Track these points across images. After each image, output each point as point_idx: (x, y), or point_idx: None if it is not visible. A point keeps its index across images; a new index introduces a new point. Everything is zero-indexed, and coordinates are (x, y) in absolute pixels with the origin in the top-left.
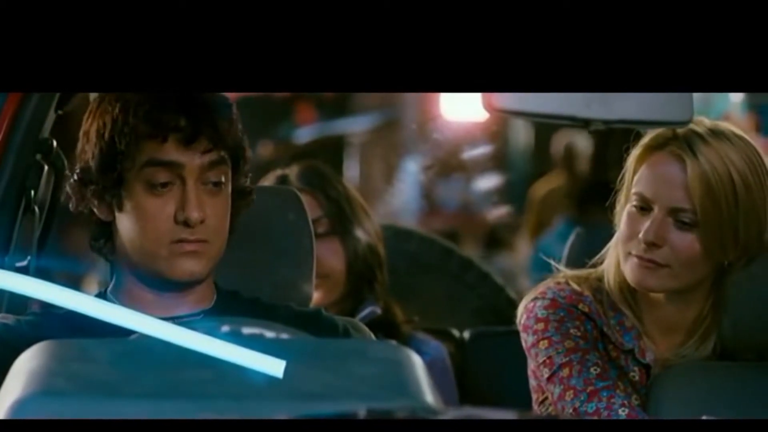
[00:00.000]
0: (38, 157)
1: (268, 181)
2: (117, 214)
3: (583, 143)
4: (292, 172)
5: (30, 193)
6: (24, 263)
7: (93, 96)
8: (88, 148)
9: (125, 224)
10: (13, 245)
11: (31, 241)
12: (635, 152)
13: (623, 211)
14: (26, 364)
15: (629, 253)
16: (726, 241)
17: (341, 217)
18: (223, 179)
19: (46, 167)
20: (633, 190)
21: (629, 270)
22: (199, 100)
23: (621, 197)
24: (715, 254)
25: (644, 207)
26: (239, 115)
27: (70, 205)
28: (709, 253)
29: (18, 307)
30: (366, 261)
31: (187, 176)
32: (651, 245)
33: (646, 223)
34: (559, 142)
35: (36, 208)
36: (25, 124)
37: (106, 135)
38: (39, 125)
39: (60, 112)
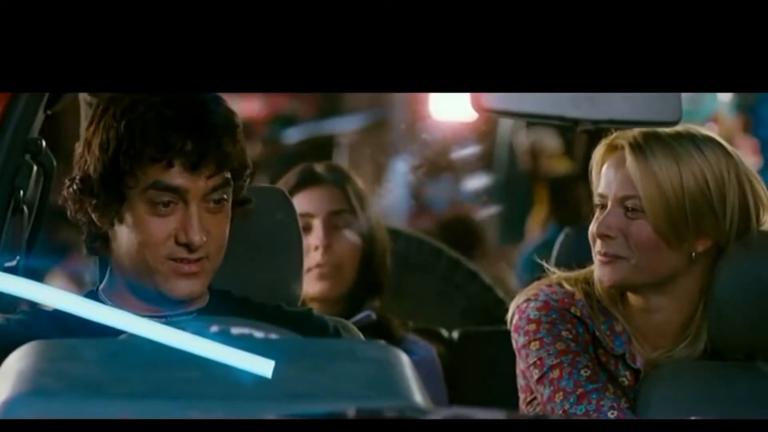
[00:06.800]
0: (27, 157)
1: (293, 174)
2: (117, 226)
3: (550, 142)
4: (319, 165)
5: (19, 193)
6: (13, 263)
7: (82, 96)
8: (90, 160)
9: (124, 238)
10: (1, 245)
11: (20, 241)
12: (596, 154)
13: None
14: (15, 364)
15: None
16: (680, 229)
17: (362, 214)
18: (225, 197)
19: (35, 167)
20: (596, 190)
21: (595, 271)
22: (206, 121)
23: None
24: (673, 243)
25: (603, 205)
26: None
27: (68, 213)
28: (667, 241)
29: (6, 307)
30: (379, 267)
31: (190, 200)
32: (604, 237)
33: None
34: (523, 141)
35: (25, 208)
36: (14, 124)
37: (110, 152)
38: (28, 125)
39: (49, 112)
